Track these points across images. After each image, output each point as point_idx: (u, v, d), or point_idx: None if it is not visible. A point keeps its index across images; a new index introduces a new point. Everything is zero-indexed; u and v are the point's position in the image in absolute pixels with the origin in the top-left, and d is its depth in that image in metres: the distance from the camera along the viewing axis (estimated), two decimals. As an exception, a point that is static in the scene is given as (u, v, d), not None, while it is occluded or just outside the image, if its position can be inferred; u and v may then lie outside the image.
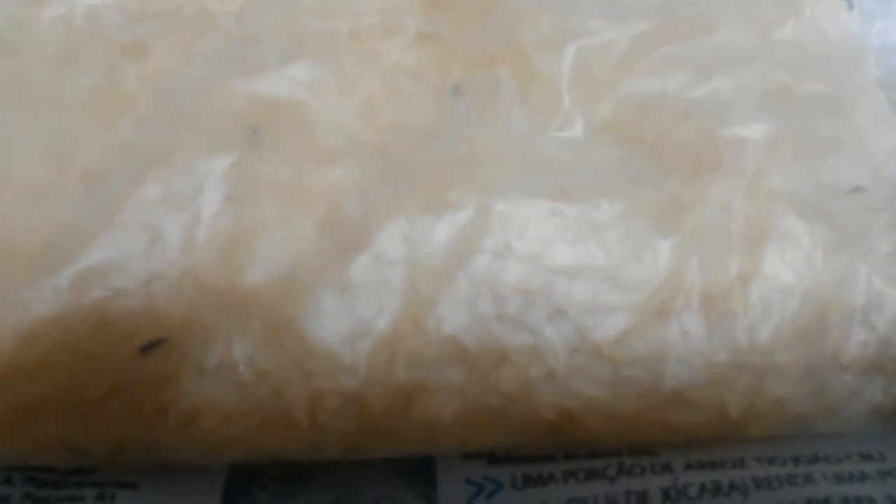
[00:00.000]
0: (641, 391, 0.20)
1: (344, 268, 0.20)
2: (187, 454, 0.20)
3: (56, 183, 0.21)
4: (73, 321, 0.20)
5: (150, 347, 0.20)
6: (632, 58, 0.23)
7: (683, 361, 0.20)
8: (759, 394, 0.20)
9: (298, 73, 0.23)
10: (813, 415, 0.21)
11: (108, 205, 0.20)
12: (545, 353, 0.20)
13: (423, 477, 0.20)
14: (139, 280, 0.20)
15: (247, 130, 0.22)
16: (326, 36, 0.24)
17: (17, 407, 0.19)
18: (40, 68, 0.23)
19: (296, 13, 0.24)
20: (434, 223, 0.21)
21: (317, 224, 0.21)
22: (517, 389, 0.20)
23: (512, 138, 0.22)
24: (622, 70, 0.23)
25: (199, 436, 0.20)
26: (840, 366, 0.21)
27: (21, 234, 0.20)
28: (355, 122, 0.23)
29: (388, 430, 0.20)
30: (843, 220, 0.21)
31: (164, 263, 0.20)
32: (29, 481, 0.19)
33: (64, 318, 0.20)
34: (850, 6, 0.25)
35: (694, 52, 0.24)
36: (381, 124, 0.23)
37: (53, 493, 0.19)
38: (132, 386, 0.20)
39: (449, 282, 0.20)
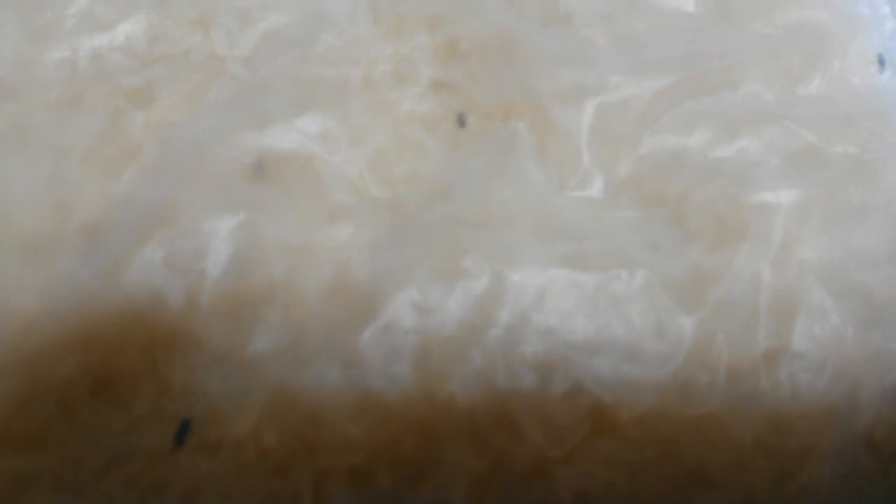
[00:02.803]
0: (663, 473, 0.19)
1: (352, 337, 0.19)
2: (184, 532, 0.19)
3: (55, 236, 0.20)
4: (70, 388, 0.19)
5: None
6: (653, 114, 0.23)
7: (708, 442, 0.19)
8: (786, 476, 0.20)
9: (308, 124, 0.22)
10: (841, 498, 0.20)
11: (108, 263, 0.20)
12: (562, 432, 0.19)
13: (432, 557, 0.19)
14: (140, 345, 0.19)
15: (254, 185, 0.21)
16: (338, 84, 0.23)
17: (8, 478, 0.19)
18: (42, 113, 0.22)
19: (307, 59, 0.23)
20: (448, 292, 0.20)
21: (325, 289, 0.20)
22: (532, 469, 0.19)
23: (528, 196, 0.21)
24: (643, 126, 0.23)
25: (198, 513, 0.19)
26: (870, 447, 0.20)
27: (17, 290, 0.20)
28: (366, 175, 0.22)
29: (396, 508, 0.19)
30: (875, 293, 0.21)
31: (165, 328, 0.19)
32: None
33: (60, 384, 0.19)
34: (881, 61, 0.24)
35: (718, 108, 0.23)
36: (392, 178, 0.22)
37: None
38: (129, 459, 0.19)
39: (462, 354, 0.19)
